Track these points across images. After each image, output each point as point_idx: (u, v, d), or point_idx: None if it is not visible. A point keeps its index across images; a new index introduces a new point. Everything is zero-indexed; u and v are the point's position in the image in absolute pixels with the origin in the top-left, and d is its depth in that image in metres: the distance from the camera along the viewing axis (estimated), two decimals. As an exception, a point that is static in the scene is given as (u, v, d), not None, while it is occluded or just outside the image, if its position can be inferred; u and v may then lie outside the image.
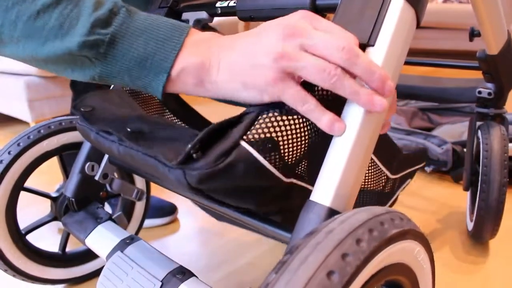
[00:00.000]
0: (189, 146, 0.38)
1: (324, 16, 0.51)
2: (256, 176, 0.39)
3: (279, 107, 0.39)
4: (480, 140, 0.83)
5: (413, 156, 0.69)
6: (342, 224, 0.30)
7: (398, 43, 0.41)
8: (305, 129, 0.41)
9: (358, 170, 0.39)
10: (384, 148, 0.58)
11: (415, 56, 0.94)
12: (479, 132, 0.84)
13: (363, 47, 0.41)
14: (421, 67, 0.96)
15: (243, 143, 0.37)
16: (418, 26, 0.45)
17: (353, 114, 0.39)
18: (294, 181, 0.43)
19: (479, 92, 0.87)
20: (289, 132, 0.39)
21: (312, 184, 0.41)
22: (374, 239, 0.29)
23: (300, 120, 0.40)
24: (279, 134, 0.38)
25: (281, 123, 0.39)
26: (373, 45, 0.41)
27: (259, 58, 0.38)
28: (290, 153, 0.40)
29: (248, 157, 0.37)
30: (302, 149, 0.41)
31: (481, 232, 0.83)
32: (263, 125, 0.38)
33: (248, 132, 0.38)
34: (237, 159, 0.37)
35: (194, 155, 0.38)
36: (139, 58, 0.41)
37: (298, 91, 0.38)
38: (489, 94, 0.86)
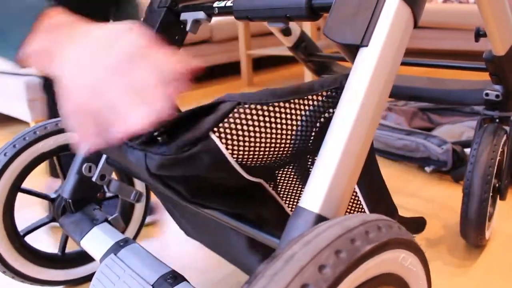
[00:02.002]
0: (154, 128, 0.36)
1: (320, 16, 0.50)
2: (218, 169, 0.37)
3: (258, 98, 0.36)
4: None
5: (409, 221, 0.63)
6: (306, 246, 0.27)
7: (393, 43, 0.40)
8: (287, 131, 0.38)
9: (350, 174, 0.37)
10: (373, 185, 0.51)
11: (416, 57, 0.92)
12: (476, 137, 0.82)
13: (357, 47, 0.40)
14: (419, 67, 0.94)
15: (212, 135, 0.35)
16: (416, 26, 0.43)
17: (346, 114, 0.38)
18: (262, 182, 0.41)
19: (486, 94, 0.85)
20: (263, 129, 0.37)
21: (290, 202, 0.39)
22: (341, 263, 0.27)
23: (279, 119, 0.37)
24: (252, 129, 0.36)
25: (256, 117, 0.36)
26: (366, 46, 0.40)
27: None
28: (263, 152, 0.38)
29: (215, 150, 0.35)
30: (279, 151, 0.39)
31: (466, 238, 0.82)
32: (237, 119, 0.36)
33: (220, 124, 0.35)
34: (203, 151, 0.35)
35: (159, 139, 0.36)
36: None
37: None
38: (497, 96, 0.84)
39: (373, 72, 0.39)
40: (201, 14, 0.65)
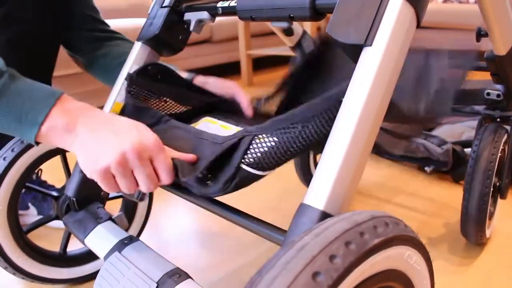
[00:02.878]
0: (198, 173, 0.47)
1: (324, 16, 0.51)
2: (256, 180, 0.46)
3: (266, 130, 0.45)
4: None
5: None
6: (316, 238, 0.28)
7: (396, 43, 0.40)
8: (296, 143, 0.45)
9: (354, 172, 0.38)
10: None
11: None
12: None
13: (360, 47, 0.41)
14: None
15: (243, 166, 0.45)
16: (419, 25, 0.44)
17: (350, 113, 0.38)
18: None
19: (488, 94, 0.85)
20: (276, 150, 0.45)
21: None
22: (350, 253, 0.27)
23: (285, 140, 0.45)
24: (268, 151, 0.45)
25: (266, 143, 0.45)
26: (370, 45, 0.40)
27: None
28: (283, 159, 0.45)
29: (249, 174, 0.44)
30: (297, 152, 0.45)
31: (466, 236, 0.82)
32: (257, 147, 0.45)
33: (245, 156, 0.45)
34: (242, 179, 0.45)
35: (208, 182, 0.47)
36: (16, 114, 0.51)
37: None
38: (498, 95, 0.84)
39: (376, 71, 0.39)
40: (204, 14, 0.65)
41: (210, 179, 0.47)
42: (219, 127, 0.62)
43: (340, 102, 0.43)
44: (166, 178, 0.49)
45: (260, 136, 0.45)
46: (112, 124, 0.50)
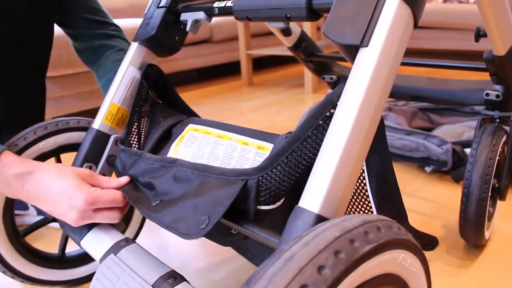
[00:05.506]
0: (204, 227, 0.44)
1: (320, 16, 0.50)
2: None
3: (264, 168, 0.45)
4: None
5: (420, 235, 0.63)
6: (305, 247, 0.27)
7: (393, 43, 0.40)
8: (292, 165, 0.45)
9: (349, 174, 0.37)
10: (385, 188, 0.52)
11: (416, 57, 0.92)
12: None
13: (356, 48, 0.40)
14: (419, 67, 0.94)
15: (261, 207, 0.45)
16: (416, 26, 0.43)
17: (345, 114, 0.38)
18: None
19: (487, 95, 0.85)
20: (284, 178, 0.45)
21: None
22: (340, 263, 0.27)
23: (291, 164, 0.45)
24: (276, 183, 0.45)
25: (273, 175, 0.45)
26: (366, 46, 0.40)
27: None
28: (292, 181, 0.46)
29: (268, 211, 0.45)
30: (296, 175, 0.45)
31: (465, 239, 0.82)
32: (265, 186, 0.45)
33: (259, 199, 0.45)
34: (263, 217, 0.45)
35: (232, 231, 0.49)
36: None
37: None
38: (497, 96, 0.84)
39: (373, 72, 0.39)
40: (201, 15, 0.65)
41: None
42: (205, 135, 0.61)
43: (335, 104, 0.42)
44: (119, 207, 0.58)
45: (265, 175, 0.45)
46: (47, 203, 0.57)
